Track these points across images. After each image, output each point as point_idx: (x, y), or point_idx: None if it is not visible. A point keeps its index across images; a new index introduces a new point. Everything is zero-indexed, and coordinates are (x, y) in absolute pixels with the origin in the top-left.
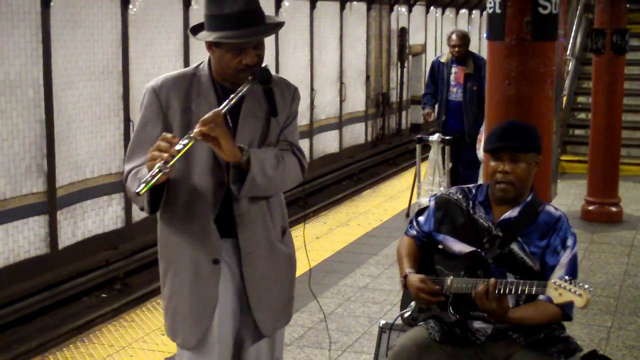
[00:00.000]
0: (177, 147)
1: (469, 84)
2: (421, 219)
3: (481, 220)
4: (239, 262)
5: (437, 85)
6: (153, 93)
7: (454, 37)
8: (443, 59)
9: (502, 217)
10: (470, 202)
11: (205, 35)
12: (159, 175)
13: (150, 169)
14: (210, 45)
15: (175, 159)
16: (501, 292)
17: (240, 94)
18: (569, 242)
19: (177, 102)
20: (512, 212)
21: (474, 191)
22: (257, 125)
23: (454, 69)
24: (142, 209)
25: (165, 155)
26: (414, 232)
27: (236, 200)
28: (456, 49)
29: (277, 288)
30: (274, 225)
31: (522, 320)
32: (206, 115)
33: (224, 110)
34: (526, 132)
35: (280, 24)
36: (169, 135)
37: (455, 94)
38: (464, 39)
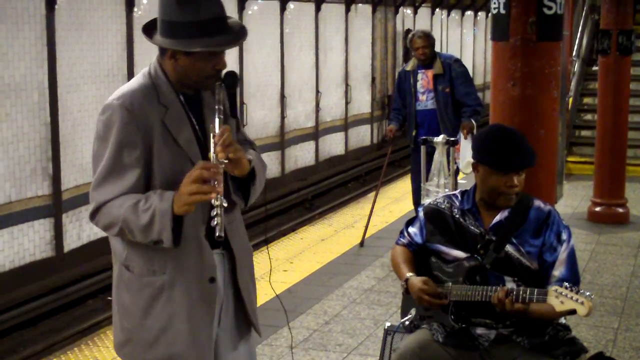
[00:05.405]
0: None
1: (440, 86)
2: (412, 230)
3: (472, 227)
4: (224, 271)
5: (404, 98)
6: (125, 111)
7: (416, 39)
8: (409, 67)
9: (494, 222)
10: (458, 211)
11: (186, 44)
12: (222, 209)
13: (188, 202)
14: (174, 53)
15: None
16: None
17: (221, 101)
18: (564, 236)
19: (152, 118)
20: (502, 215)
21: (460, 197)
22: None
23: (420, 75)
24: (155, 243)
25: (219, 188)
26: (405, 242)
27: (226, 210)
28: (420, 51)
29: (254, 287)
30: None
31: (539, 312)
32: (223, 136)
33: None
34: (527, 143)
35: (244, 26)
36: (210, 164)
37: (425, 102)
38: (429, 38)
